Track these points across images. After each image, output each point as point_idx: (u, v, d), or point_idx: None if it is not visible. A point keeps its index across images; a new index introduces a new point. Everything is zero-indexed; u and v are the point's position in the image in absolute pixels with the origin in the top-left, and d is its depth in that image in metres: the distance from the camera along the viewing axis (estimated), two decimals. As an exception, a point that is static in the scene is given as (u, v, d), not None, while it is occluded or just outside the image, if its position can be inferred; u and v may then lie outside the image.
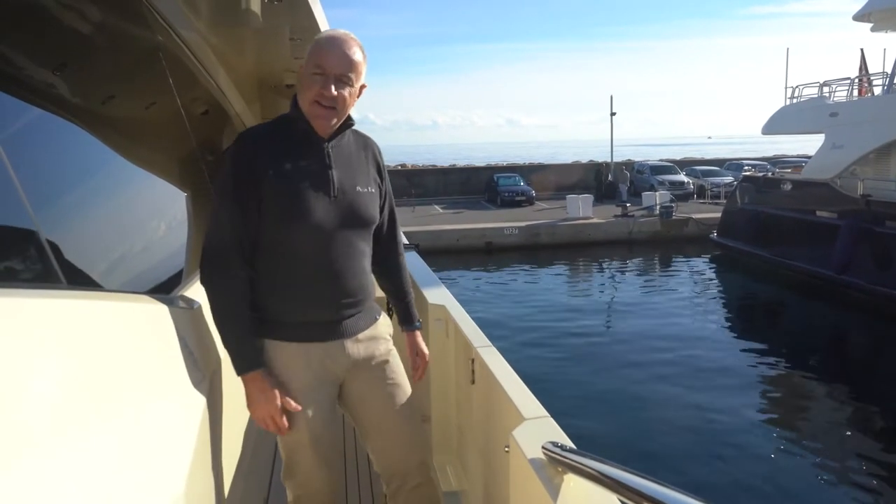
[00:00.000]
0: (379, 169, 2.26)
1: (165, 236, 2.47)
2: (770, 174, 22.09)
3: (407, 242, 4.74)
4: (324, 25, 4.30)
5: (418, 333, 2.43)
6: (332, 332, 2.11)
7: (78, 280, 1.40)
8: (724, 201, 24.53)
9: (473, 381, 2.48)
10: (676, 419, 9.57)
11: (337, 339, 2.11)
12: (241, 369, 1.93)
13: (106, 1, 2.67)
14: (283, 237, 1.99)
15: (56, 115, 1.92)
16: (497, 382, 2.08)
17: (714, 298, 18.05)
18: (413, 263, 4.06)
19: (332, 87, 1.98)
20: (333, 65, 1.99)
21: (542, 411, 1.81)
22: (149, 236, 2.23)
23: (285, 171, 1.98)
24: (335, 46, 2.01)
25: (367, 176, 2.18)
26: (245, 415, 2.69)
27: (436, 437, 3.15)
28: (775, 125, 22.13)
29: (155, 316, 1.70)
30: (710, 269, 21.35)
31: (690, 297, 17.63)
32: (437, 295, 3.22)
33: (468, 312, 3.00)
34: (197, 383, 1.83)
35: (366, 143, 2.24)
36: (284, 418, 1.99)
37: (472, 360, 2.47)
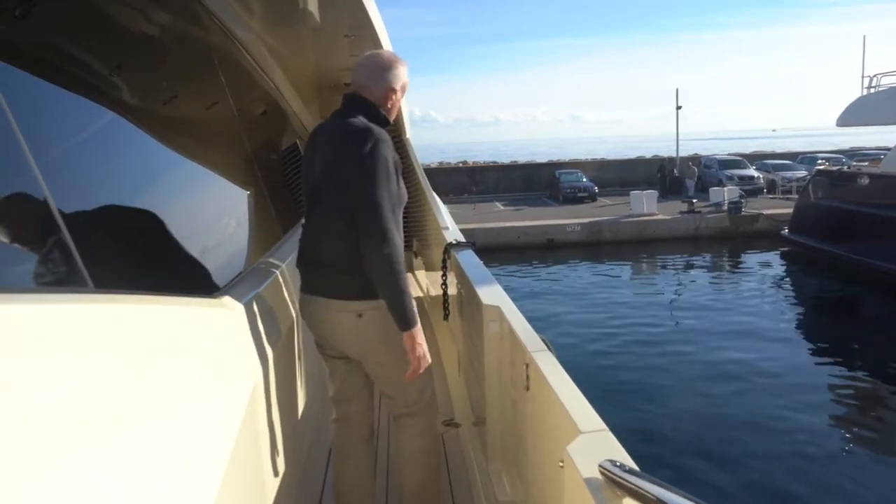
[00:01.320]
0: None
1: (211, 236, 2.48)
2: (846, 168, 21.08)
3: (464, 240, 4.70)
4: (378, 22, 4.31)
5: None
6: None
7: (107, 283, 1.36)
8: (797, 196, 23.57)
9: (528, 388, 2.38)
10: (747, 428, 9.17)
11: None
12: (414, 322, 2.34)
13: (162, 4, 2.72)
14: (398, 211, 2.44)
15: (117, 116, 1.95)
16: (551, 391, 1.97)
17: (786, 297, 17.34)
18: (469, 262, 4.01)
19: None
20: None
21: (600, 424, 1.69)
22: (193, 236, 2.23)
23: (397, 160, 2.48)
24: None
25: None
26: (296, 416, 2.71)
27: (491, 442, 3.06)
28: (851, 116, 21.11)
29: (196, 318, 1.69)
30: (781, 266, 20.54)
31: (760, 295, 16.98)
32: (492, 295, 3.12)
33: (528, 310, 2.94)
34: (242, 386, 1.81)
35: None
36: None
37: (527, 366, 2.35)
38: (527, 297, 16.61)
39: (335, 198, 2.40)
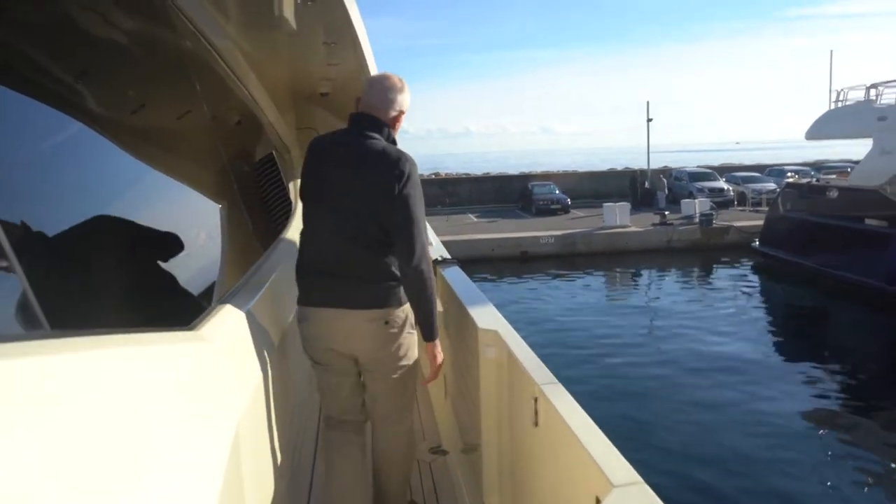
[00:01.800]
0: None
1: (185, 258, 2.27)
2: (815, 180, 21.40)
3: (448, 257, 4.52)
4: (360, 28, 4.12)
5: None
6: None
7: (66, 321, 1.16)
8: (767, 209, 23.85)
9: (537, 424, 2.11)
10: (722, 440, 9.17)
11: None
12: (437, 333, 2.64)
13: (131, 5, 2.51)
14: None
15: (79, 126, 1.74)
16: (571, 433, 1.73)
17: (757, 309, 17.48)
18: (457, 279, 3.82)
19: None
20: None
21: (635, 476, 1.51)
22: (164, 259, 2.01)
23: None
24: None
25: None
26: (277, 449, 2.50)
27: (487, 475, 2.83)
28: (820, 130, 21.44)
29: (172, 356, 1.46)
30: (753, 278, 20.72)
31: (732, 307, 17.09)
32: (487, 317, 2.87)
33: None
34: (225, 428, 1.61)
35: None
36: None
37: (535, 400, 2.09)
38: (501, 309, 16.38)
39: (363, 214, 2.50)
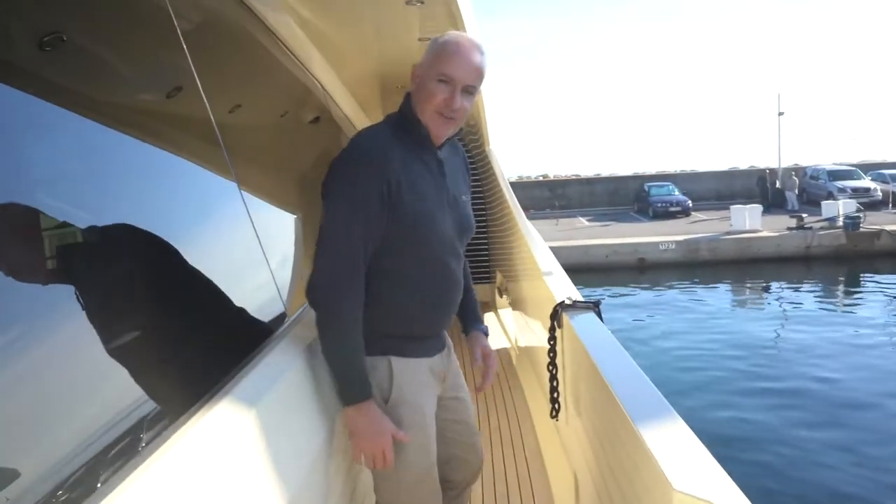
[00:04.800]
0: (468, 175, 2.20)
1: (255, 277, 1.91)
2: None
3: (581, 299, 3.16)
4: None
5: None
6: (440, 343, 2.09)
7: None
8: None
9: None
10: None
11: (441, 351, 2.08)
12: (356, 398, 1.79)
13: None
14: (412, 249, 1.90)
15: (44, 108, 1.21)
16: None
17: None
18: (600, 345, 2.44)
19: (458, 98, 1.85)
20: (462, 75, 1.84)
21: None
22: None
23: (414, 180, 1.85)
24: (464, 54, 1.85)
25: (465, 184, 2.12)
26: None
27: None
28: None
29: None
30: (913, 292, 18.02)
31: (887, 325, 14.66)
32: (686, 465, 1.40)
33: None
34: None
35: (457, 149, 2.13)
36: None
37: None
38: (619, 325, 14.85)
39: None
